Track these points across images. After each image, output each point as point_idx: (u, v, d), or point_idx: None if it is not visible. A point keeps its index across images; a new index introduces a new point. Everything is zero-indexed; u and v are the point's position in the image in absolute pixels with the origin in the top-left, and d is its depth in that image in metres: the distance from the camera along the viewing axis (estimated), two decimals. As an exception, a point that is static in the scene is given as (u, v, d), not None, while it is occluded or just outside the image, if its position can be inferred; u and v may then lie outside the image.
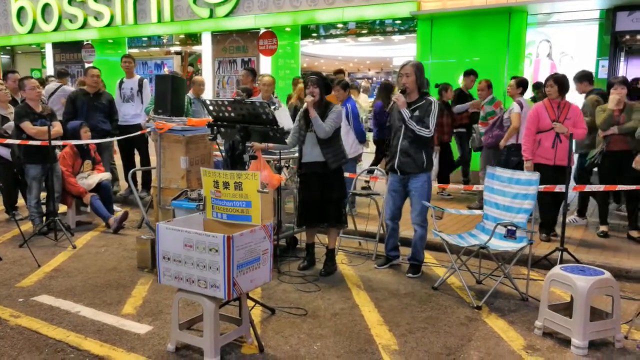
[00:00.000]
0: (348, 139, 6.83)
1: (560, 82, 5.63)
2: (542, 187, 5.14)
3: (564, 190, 5.21)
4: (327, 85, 4.97)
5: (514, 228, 4.37)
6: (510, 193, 4.61)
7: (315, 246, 5.36)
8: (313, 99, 4.78)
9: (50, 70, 15.02)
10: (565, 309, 3.78)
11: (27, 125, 6.09)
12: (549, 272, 3.83)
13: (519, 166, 6.02)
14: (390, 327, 3.92)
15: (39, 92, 6.36)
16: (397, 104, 4.76)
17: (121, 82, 8.07)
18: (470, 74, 8.03)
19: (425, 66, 5.02)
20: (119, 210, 7.56)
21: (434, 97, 4.82)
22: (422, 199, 4.85)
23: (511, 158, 6.65)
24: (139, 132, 7.64)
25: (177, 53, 13.67)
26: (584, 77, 6.58)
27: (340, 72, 8.84)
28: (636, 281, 4.95)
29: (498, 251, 4.56)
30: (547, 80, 5.82)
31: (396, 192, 5.04)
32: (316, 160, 4.87)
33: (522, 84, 6.80)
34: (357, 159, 7.21)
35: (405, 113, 4.72)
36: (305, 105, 4.82)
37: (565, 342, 3.63)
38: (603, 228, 6.11)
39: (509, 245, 4.41)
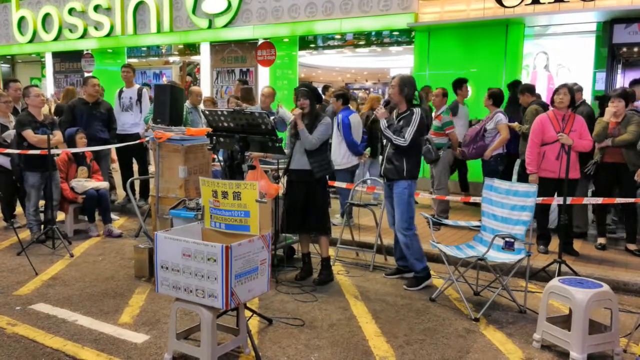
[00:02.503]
0: (341, 149, 6.83)
1: (573, 92, 5.55)
2: (539, 199, 5.15)
3: (562, 202, 5.22)
4: (317, 96, 5.08)
5: (512, 240, 4.37)
6: (509, 205, 4.62)
7: (312, 256, 5.35)
8: (301, 111, 4.91)
9: (50, 78, 15.06)
10: (564, 321, 3.77)
11: (28, 134, 6.09)
12: (547, 285, 3.83)
13: (503, 176, 6.04)
14: (388, 338, 3.91)
15: (43, 100, 6.39)
16: (377, 114, 5.04)
17: (121, 92, 8.09)
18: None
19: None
20: (117, 219, 7.56)
21: (418, 109, 4.91)
22: (401, 205, 4.92)
23: (497, 167, 6.71)
24: (137, 141, 7.65)
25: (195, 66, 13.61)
26: (525, 89, 6.95)
27: (326, 88, 8.85)
28: (634, 294, 4.95)
29: (496, 263, 4.56)
30: (559, 88, 5.64)
31: (388, 198, 5.18)
32: (303, 168, 4.97)
33: (492, 95, 6.84)
34: (354, 170, 7.14)
35: (383, 123, 4.99)
36: (293, 117, 4.96)
37: (564, 355, 3.62)
38: (601, 240, 6.11)
39: (507, 257, 4.41)
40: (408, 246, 4.97)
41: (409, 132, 4.81)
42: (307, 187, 4.98)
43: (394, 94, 4.96)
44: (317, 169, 4.93)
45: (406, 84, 4.92)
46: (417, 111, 4.87)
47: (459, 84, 7.82)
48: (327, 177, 5.19)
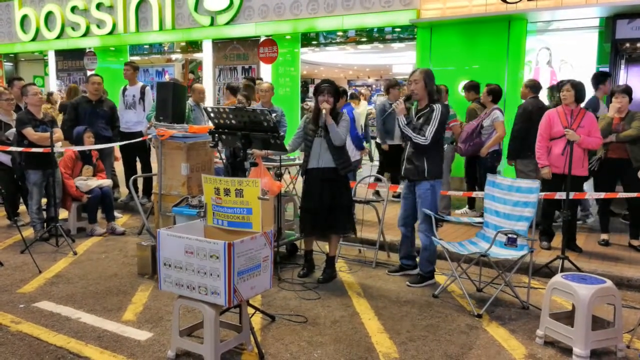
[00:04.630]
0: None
1: (577, 88, 5.50)
2: (542, 195, 5.14)
3: (564, 197, 5.20)
4: (337, 93, 5.03)
5: (515, 236, 4.37)
6: (511, 201, 4.61)
7: (314, 253, 5.35)
8: (330, 107, 4.81)
9: (52, 77, 15.08)
10: (567, 317, 3.77)
11: (29, 132, 6.11)
12: (550, 281, 3.82)
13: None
14: (391, 335, 3.91)
15: (41, 98, 6.40)
16: (395, 110, 4.84)
17: (124, 89, 8.10)
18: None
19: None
20: (120, 216, 7.57)
21: (438, 105, 4.79)
22: (425, 207, 4.84)
23: (494, 164, 6.72)
24: (140, 139, 7.66)
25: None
26: (470, 87, 7.52)
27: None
28: (638, 290, 4.94)
29: (499, 259, 4.56)
30: (564, 84, 5.69)
31: (406, 198, 5.08)
32: (327, 166, 4.89)
33: (491, 92, 6.83)
34: (357, 165, 7.16)
35: (401, 120, 4.83)
36: (311, 113, 4.92)
37: (567, 351, 3.62)
38: (604, 236, 6.09)
39: (510, 253, 4.40)
40: (426, 248, 4.92)
41: (430, 130, 4.70)
42: (332, 186, 4.90)
43: (418, 89, 4.81)
44: (341, 165, 4.88)
45: (430, 78, 4.83)
46: (437, 107, 4.76)
47: (602, 79, 6.82)
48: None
